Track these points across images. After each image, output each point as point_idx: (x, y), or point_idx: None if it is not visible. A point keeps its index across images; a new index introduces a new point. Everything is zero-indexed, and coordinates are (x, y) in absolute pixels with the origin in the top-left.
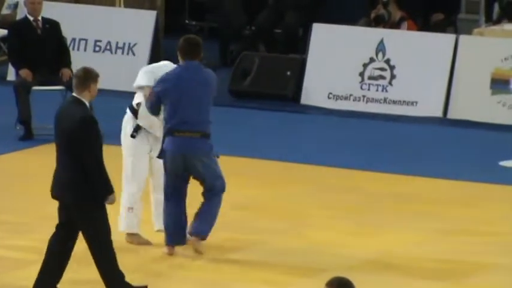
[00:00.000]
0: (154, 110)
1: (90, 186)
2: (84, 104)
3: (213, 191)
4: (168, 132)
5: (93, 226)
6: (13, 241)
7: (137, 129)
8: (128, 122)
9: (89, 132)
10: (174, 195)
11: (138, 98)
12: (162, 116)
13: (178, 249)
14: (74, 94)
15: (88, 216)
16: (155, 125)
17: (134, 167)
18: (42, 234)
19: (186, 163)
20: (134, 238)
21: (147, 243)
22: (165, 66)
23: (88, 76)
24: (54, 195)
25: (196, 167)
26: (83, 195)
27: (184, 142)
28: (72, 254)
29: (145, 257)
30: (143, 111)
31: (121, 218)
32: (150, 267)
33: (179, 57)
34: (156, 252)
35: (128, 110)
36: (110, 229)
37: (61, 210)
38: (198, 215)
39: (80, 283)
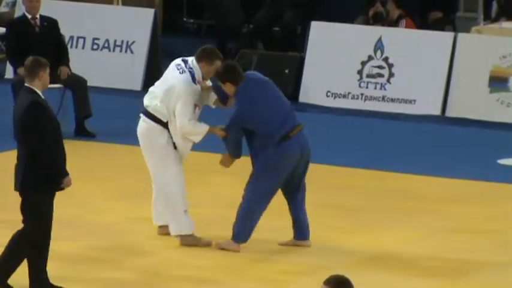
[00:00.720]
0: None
1: (38, 171)
2: (35, 92)
3: (303, 186)
4: (279, 141)
5: (34, 212)
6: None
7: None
8: (159, 135)
9: (35, 118)
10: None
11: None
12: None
13: None
14: (25, 84)
15: (30, 202)
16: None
17: (179, 171)
18: None
19: (303, 159)
20: (191, 239)
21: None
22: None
23: (36, 65)
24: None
25: (308, 160)
26: (27, 181)
27: (300, 139)
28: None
29: (140, 254)
30: (190, 131)
31: (175, 221)
32: (146, 265)
33: (229, 84)
34: (153, 250)
35: (151, 121)
36: (51, 218)
37: None
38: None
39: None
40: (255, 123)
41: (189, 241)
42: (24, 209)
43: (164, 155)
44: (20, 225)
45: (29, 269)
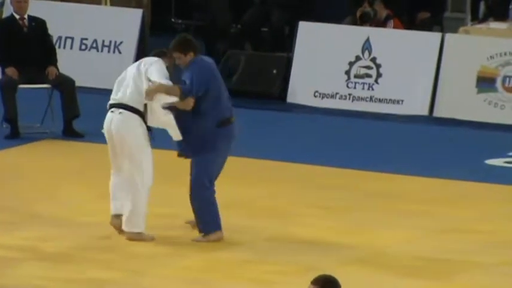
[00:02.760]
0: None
1: None
2: None
3: None
4: (222, 123)
5: None
6: (1, 239)
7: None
8: (138, 125)
9: None
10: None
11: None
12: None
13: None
14: None
15: None
16: (170, 124)
17: (152, 163)
18: (32, 233)
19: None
20: (140, 236)
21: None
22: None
23: None
24: None
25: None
26: None
27: (235, 129)
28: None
29: (128, 254)
30: (161, 112)
31: (136, 217)
32: (134, 265)
33: (192, 54)
34: (140, 250)
35: (130, 113)
36: None
37: None
38: None
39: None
40: (208, 96)
41: (137, 237)
42: None
43: (141, 145)
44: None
45: None
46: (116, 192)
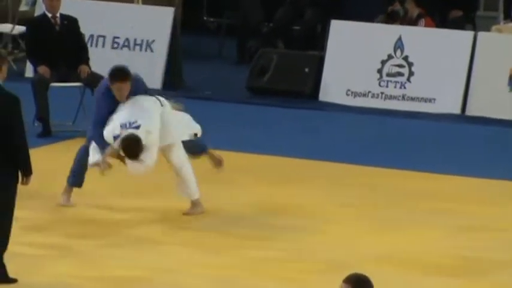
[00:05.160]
0: None
1: (17, 163)
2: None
3: None
4: None
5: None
6: (30, 238)
7: None
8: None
9: (18, 111)
10: None
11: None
12: None
13: None
14: None
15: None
16: None
17: None
18: (60, 231)
19: None
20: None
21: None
22: None
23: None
24: None
25: None
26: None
27: None
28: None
29: (159, 253)
30: None
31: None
32: (165, 263)
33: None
34: (168, 249)
35: None
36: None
37: None
38: None
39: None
40: None
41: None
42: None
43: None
44: (39, 225)
45: None
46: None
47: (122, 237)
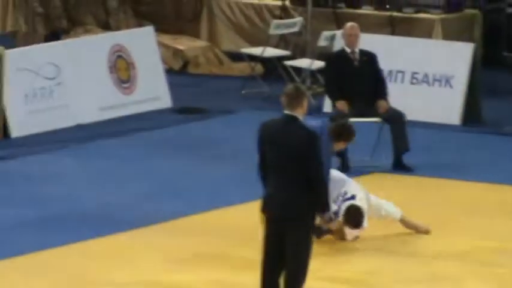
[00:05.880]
0: None
1: (315, 198)
2: (300, 120)
3: None
4: None
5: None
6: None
7: None
8: None
9: (318, 147)
10: None
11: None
12: None
13: None
14: (285, 112)
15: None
16: None
17: None
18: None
19: None
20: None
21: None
22: None
23: (300, 93)
24: (271, 213)
25: None
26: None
27: None
28: None
29: None
30: None
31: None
32: None
33: None
34: None
35: None
36: None
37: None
38: None
39: None
40: None
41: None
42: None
43: None
44: None
45: None
46: None
47: None
